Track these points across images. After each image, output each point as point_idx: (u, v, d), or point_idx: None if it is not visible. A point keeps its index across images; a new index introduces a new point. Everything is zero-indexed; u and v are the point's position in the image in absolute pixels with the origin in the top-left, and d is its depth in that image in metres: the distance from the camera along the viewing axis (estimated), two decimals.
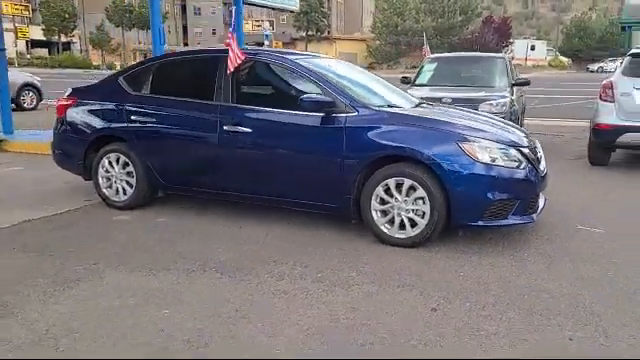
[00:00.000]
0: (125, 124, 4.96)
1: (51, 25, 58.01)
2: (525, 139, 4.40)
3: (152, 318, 2.94)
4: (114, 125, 5.04)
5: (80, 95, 5.36)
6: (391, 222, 4.09)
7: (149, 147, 4.89)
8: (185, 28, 79.13)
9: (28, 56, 53.44)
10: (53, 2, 57.16)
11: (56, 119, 5.45)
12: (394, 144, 4.06)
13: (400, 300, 3.21)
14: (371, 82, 5.11)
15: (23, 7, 44.59)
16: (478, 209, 3.93)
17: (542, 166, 4.35)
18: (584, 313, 3.03)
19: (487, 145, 3.98)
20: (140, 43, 66.94)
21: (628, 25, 14.27)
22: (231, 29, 4.94)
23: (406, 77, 9.00)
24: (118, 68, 51.90)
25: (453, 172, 3.87)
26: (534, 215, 4.17)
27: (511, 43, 57.31)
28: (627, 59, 7.28)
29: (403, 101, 4.90)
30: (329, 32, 69.07)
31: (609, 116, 6.94)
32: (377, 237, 4.14)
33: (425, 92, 7.28)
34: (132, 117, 4.93)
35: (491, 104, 7.16)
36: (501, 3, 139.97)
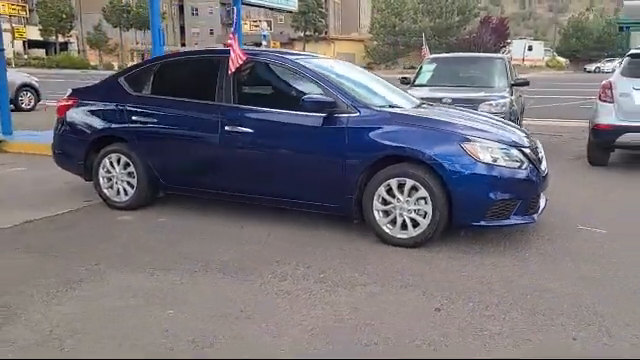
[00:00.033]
0: (126, 124, 4.96)
1: (48, 25, 57.92)
2: (526, 139, 4.41)
3: (156, 318, 2.95)
4: (115, 125, 5.04)
5: (81, 96, 5.36)
6: (393, 222, 4.09)
7: (150, 147, 4.89)
8: (182, 28, 79.03)
9: (25, 56, 53.33)
10: (50, 2, 57.08)
11: (57, 120, 5.45)
12: (396, 144, 4.07)
13: (403, 300, 3.22)
14: (372, 82, 5.12)
15: (20, 7, 44.53)
16: (480, 209, 3.94)
17: (543, 166, 4.36)
18: (587, 313, 3.04)
19: (489, 145, 3.99)
20: (138, 43, 66.84)
21: (626, 25, 14.31)
22: (232, 30, 4.94)
23: (406, 77, 9.01)
24: (116, 68, 51.92)
25: (455, 172, 3.88)
26: (535, 215, 4.18)
27: (509, 43, 57.36)
28: (626, 59, 7.31)
29: (404, 101, 4.91)
30: (327, 32, 69.07)
31: (608, 116, 6.96)
32: (379, 237, 4.15)
33: (425, 92, 7.29)
34: (133, 117, 4.93)
35: (491, 104, 7.18)
36: (498, 3, 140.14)
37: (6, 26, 40.03)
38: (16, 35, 44.91)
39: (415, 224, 4.03)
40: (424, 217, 3.99)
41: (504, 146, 4.06)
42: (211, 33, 75.64)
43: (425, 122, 4.23)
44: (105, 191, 5.10)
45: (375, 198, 4.10)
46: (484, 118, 4.85)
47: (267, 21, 45.07)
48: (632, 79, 6.93)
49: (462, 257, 3.89)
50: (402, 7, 59.66)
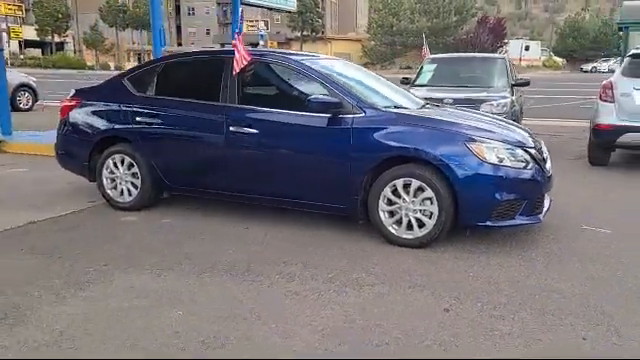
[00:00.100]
0: (130, 125, 4.95)
1: (44, 25, 57.81)
2: (530, 139, 4.42)
3: (166, 319, 2.94)
4: (119, 126, 5.03)
5: (84, 96, 5.34)
6: (399, 223, 4.10)
7: (154, 148, 4.88)
8: (179, 28, 78.88)
9: (21, 56, 53.17)
10: (46, 2, 56.97)
11: (60, 120, 5.43)
12: (401, 145, 4.07)
13: (411, 301, 3.22)
14: (377, 83, 5.12)
15: (16, 7, 44.39)
16: (486, 209, 3.94)
17: (548, 166, 4.37)
18: (595, 313, 3.05)
19: (495, 146, 4.00)
20: (134, 43, 66.79)
21: (625, 26, 14.34)
22: (237, 30, 4.94)
23: (406, 78, 9.03)
24: (112, 68, 51.82)
25: (462, 173, 3.88)
26: (541, 215, 4.20)
27: (506, 43, 57.49)
28: (627, 59, 7.34)
29: (409, 102, 4.91)
30: (323, 32, 69.09)
31: (609, 116, 6.99)
32: (385, 238, 4.15)
33: (426, 93, 7.29)
34: (137, 118, 4.92)
35: (492, 105, 7.20)
36: (494, 3, 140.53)
37: (2, 26, 39.85)
38: (12, 35, 44.73)
39: (421, 224, 4.03)
40: (430, 217, 3.99)
41: (509, 146, 4.07)
42: (207, 33, 75.51)
43: (431, 123, 4.23)
44: (109, 192, 5.10)
45: (381, 199, 4.10)
46: (488, 118, 4.85)
47: (264, 21, 45.03)
48: (633, 79, 6.96)
49: (468, 257, 3.90)
50: (399, 7, 59.75)
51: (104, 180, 5.09)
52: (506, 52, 49.77)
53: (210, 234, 4.41)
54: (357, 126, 4.17)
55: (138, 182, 4.97)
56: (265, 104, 4.58)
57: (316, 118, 4.27)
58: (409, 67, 48.19)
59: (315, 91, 4.37)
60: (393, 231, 4.11)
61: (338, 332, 2.83)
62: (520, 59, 58.75)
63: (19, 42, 52.72)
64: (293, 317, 2.99)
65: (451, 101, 7.00)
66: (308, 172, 4.39)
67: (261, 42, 35.05)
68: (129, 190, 5.03)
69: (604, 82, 7.25)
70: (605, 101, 7.07)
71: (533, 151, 4.19)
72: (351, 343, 2.73)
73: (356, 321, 2.95)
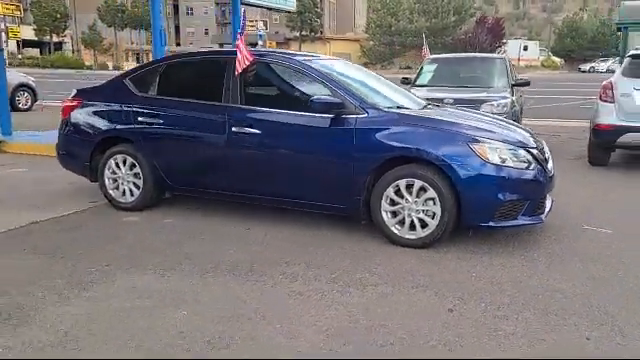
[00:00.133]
0: (132, 125, 4.95)
1: (42, 25, 57.70)
2: (532, 140, 4.43)
3: (171, 320, 2.94)
4: (120, 126, 5.02)
5: (86, 96, 5.34)
6: (401, 223, 4.10)
7: (156, 148, 4.88)
8: (177, 28, 78.87)
9: (19, 56, 53.06)
10: (44, 2, 56.85)
11: (61, 120, 5.42)
12: (404, 145, 4.08)
13: (415, 301, 3.23)
14: (378, 83, 5.12)
15: (14, 7, 44.25)
16: (489, 210, 3.95)
17: (550, 166, 4.38)
18: (598, 313, 3.06)
19: (497, 146, 4.00)
20: (133, 43, 66.71)
21: (624, 26, 14.37)
22: (239, 30, 4.94)
23: (406, 78, 9.05)
24: (110, 68, 51.74)
25: (464, 173, 3.89)
26: (543, 215, 4.20)
27: (504, 43, 57.49)
28: (627, 60, 7.35)
29: (411, 102, 4.92)
30: (322, 32, 69.07)
31: (609, 116, 7.00)
32: (387, 238, 4.15)
33: (426, 93, 7.30)
34: (139, 118, 4.92)
35: (492, 105, 7.21)
36: (492, 3, 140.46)
37: (0, 26, 39.79)
38: (10, 35, 44.59)
39: (423, 225, 4.04)
40: (432, 218, 4.00)
41: (512, 147, 4.08)
42: (206, 33, 75.54)
43: (433, 123, 4.24)
44: (111, 192, 5.09)
45: (383, 199, 4.11)
46: (490, 119, 4.86)
47: (263, 21, 45.00)
48: (633, 79, 6.98)
49: (471, 257, 3.91)
50: (398, 7, 59.70)
51: (106, 180, 5.09)
52: (505, 52, 49.79)
53: (211, 234, 4.41)
54: (360, 126, 4.17)
55: (140, 182, 4.97)
56: (267, 104, 4.59)
57: (318, 118, 4.28)
58: (409, 67, 48.18)
59: (317, 91, 4.37)
60: (396, 231, 4.12)
61: (343, 332, 2.83)
62: (519, 59, 58.67)
63: (17, 42, 52.53)
64: (297, 317, 2.99)
65: (451, 101, 7.00)
66: (310, 172, 4.39)
67: (260, 42, 35.05)
68: (131, 190, 5.03)
69: (604, 82, 7.26)
70: (605, 101, 7.09)
71: (535, 151, 4.20)
72: (356, 343, 2.74)
73: (360, 321, 2.96)
